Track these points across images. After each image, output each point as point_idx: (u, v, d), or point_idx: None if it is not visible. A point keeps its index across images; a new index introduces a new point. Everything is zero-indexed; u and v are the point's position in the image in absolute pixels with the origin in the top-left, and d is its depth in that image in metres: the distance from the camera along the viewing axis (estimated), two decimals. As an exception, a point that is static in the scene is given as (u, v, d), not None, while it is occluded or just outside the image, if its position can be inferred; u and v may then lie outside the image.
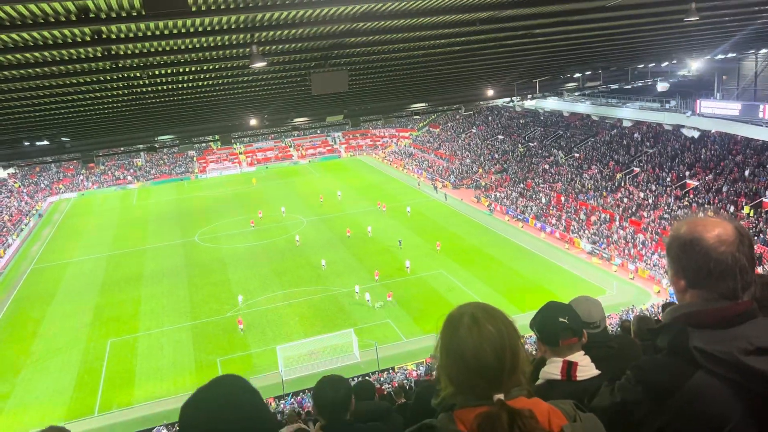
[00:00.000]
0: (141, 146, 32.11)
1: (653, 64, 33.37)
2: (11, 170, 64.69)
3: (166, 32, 8.72)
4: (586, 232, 44.07)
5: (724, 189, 39.42)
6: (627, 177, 47.72)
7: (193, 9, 7.46)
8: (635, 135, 52.31)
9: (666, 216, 40.56)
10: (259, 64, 10.38)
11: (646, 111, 46.99)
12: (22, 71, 9.56)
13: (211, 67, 11.80)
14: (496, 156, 67.34)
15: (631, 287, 36.10)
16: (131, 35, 8.57)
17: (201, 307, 37.72)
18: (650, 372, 1.72)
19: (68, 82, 11.09)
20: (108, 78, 11.24)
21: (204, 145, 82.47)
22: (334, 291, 38.23)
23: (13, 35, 7.60)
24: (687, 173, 43.35)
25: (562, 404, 1.65)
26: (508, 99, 32.10)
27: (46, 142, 19.61)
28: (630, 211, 43.28)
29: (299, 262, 43.96)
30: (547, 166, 57.63)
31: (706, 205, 39.09)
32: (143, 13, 7.21)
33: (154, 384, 29.10)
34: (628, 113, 49.24)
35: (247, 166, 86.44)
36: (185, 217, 60.44)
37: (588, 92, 44.69)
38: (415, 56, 14.09)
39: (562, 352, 2.73)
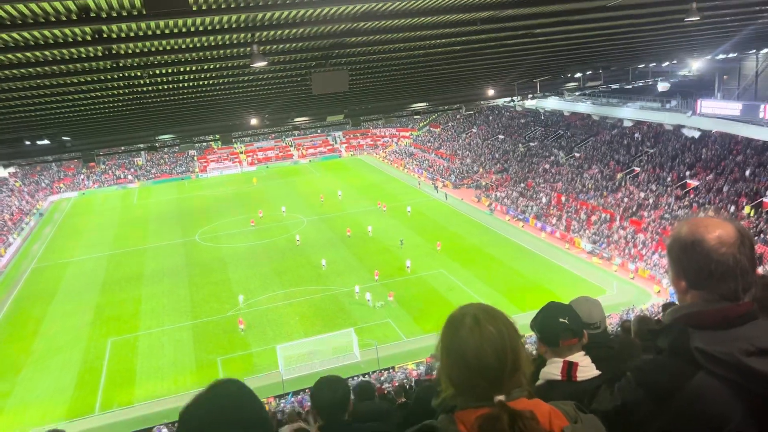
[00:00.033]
0: (142, 145, 32.15)
1: (654, 64, 33.37)
2: (12, 169, 64.76)
3: (167, 32, 8.73)
4: (587, 231, 44.06)
5: (725, 189, 39.40)
6: (627, 177, 47.70)
7: (194, 8, 7.46)
8: (636, 135, 52.28)
9: (666, 216, 40.54)
10: (260, 64, 10.38)
11: (647, 111, 47.00)
12: (22, 70, 9.56)
13: (211, 67, 11.80)
14: (497, 156, 67.32)
15: (632, 287, 36.09)
16: (132, 34, 8.57)
17: (201, 306, 37.74)
18: (651, 373, 1.72)
19: (69, 82, 11.10)
20: (109, 77, 11.24)
21: (205, 144, 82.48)
22: (334, 290, 38.23)
23: (14, 34, 7.60)
24: (687, 173, 43.33)
25: (563, 405, 1.65)
26: (508, 99, 32.10)
27: (46, 142, 19.61)
28: (630, 211, 43.26)
29: (300, 262, 43.97)
30: (547, 166, 57.61)
31: (706, 205, 39.07)
32: (144, 12, 7.22)
33: (154, 383, 29.12)
34: (629, 113, 49.25)
35: (248, 165, 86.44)
36: (186, 217, 60.46)
37: (589, 92, 44.69)
38: (416, 56, 14.09)
39: (563, 353, 2.74)
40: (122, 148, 37.55)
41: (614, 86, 35.75)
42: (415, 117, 75.42)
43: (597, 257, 40.78)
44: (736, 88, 40.41)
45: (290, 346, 30.32)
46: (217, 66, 11.78)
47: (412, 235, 47.92)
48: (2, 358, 32.97)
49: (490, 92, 27.65)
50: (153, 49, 9.75)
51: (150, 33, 8.63)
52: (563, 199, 49.98)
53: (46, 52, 8.78)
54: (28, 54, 8.71)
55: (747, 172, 39.40)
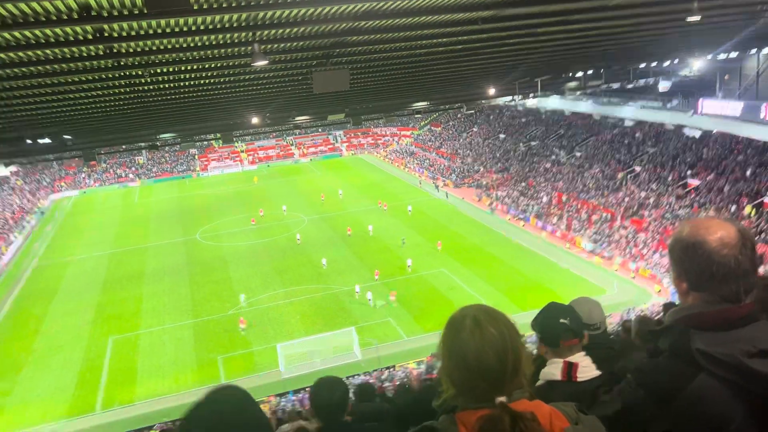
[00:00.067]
0: (143, 144, 32.16)
1: (655, 64, 33.35)
2: (13, 168, 64.83)
3: (168, 30, 8.73)
4: (588, 231, 44.03)
5: (726, 189, 39.36)
6: (628, 176, 47.66)
7: (195, 7, 7.46)
8: (637, 134, 52.23)
9: (667, 215, 40.51)
10: (261, 63, 10.38)
11: (648, 110, 46.94)
12: (24, 69, 9.57)
13: (213, 66, 11.80)
14: (498, 155, 67.29)
15: (632, 287, 36.06)
16: (133, 33, 8.57)
17: (202, 305, 37.76)
18: (651, 375, 1.72)
19: (70, 80, 11.10)
20: (110, 76, 11.25)
21: (206, 143, 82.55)
22: (335, 289, 38.24)
23: (16, 33, 7.60)
24: (688, 173, 43.29)
25: (564, 406, 1.65)
26: (509, 98, 32.09)
27: (48, 140, 19.62)
28: (631, 211, 43.23)
29: (300, 261, 43.99)
30: (548, 165, 57.57)
31: (707, 205, 39.04)
32: (145, 11, 7.22)
33: (155, 381, 29.14)
34: (630, 112, 49.18)
35: (249, 164, 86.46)
36: (187, 215, 60.49)
37: (590, 91, 44.60)
38: (417, 55, 14.08)
39: (563, 353, 2.74)
40: (123, 146, 37.58)
41: (615, 85, 35.75)
42: (416, 116, 75.38)
43: (598, 257, 40.76)
44: (737, 87, 40.35)
45: (291, 344, 30.33)
46: (219, 65, 11.78)
47: (413, 234, 47.91)
48: (3, 357, 33.01)
49: (491, 91, 27.62)
50: (154, 48, 9.76)
51: (151, 32, 8.63)
52: (564, 198, 49.95)
53: (48, 51, 8.78)
54: (30, 53, 8.71)
55: (748, 172, 39.36)
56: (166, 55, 10.29)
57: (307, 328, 33.04)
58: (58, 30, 7.80)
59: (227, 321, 34.95)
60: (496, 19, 10.90)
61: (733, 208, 37.32)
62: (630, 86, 36.86)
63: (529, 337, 4.71)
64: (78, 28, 7.90)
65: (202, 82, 13.67)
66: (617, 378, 2.25)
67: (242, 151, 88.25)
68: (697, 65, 34.57)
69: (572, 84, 32.41)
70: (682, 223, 1.77)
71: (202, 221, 57.43)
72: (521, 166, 61.16)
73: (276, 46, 10.77)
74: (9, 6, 6.49)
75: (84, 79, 11.15)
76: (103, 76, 11.18)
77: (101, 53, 9.43)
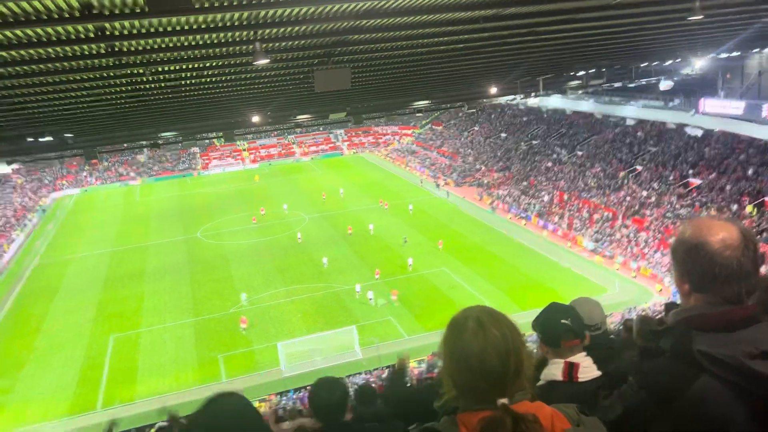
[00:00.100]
0: (144, 143, 32.15)
1: (657, 63, 33.28)
2: (15, 166, 64.79)
3: (170, 29, 8.73)
4: (589, 230, 44.02)
5: (727, 188, 39.32)
6: (630, 175, 47.62)
7: (197, 6, 7.45)
8: (638, 133, 52.18)
9: (669, 215, 40.49)
10: (263, 62, 10.37)
11: (650, 109, 46.91)
12: (25, 67, 9.57)
13: (214, 64, 11.80)
14: (499, 154, 67.26)
15: (633, 286, 36.05)
16: (135, 32, 8.57)
17: (203, 303, 37.79)
18: (653, 376, 1.72)
19: (71, 79, 11.10)
20: (111, 74, 11.25)
21: (207, 141, 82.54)
22: (336, 288, 38.27)
23: (17, 31, 7.61)
24: (690, 172, 43.26)
25: (565, 408, 1.65)
26: (511, 97, 32.05)
27: (49, 139, 19.62)
28: (633, 210, 43.21)
29: (301, 259, 44.01)
30: (550, 164, 57.53)
31: (708, 204, 39.01)
32: (147, 9, 7.22)
33: (156, 380, 29.18)
34: (632, 111, 49.14)
35: (250, 162, 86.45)
36: (188, 214, 60.52)
37: (591, 90, 44.55)
38: (419, 54, 14.06)
39: (564, 354, 2.75)
40: (125, 145, 37.60)
41: (617, 85, 35.67)
42: (418, 115, 75.29)
43: (599, 256, 40.74)
44: (739, 86, 40.30)
45: (292, 343, 30.36)
46: (220, 63, 11.78)
47: (414, 233, 47.92)
48: (5, 355, 33.07)
49: (493, 90, 27.58)
50: (156, 46, 9.76)
51: (153, 30, 8.63)
52: (565, 197, 49.93)
53: (49, 49, 8.78)
54: (31, 51, 8.71)
55: (749, 171, 39.32)
56: (168, 54, 10.28)
57: (308, 327, 33.07)
58: (59, 28, 7.80)
59: (228, 319, 34.98)
60: (498, 18, 10.88)
61: (735, 207, 37.28)
62: (632, 85, 36.79)
63: (530, 337, 4.70)
64: (80, 27, 7.90)
65: (203, 80, 13.66)
66: (616, 380, 2.24)
67: (244, 150, 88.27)
68: (698, 64, 34.49)
69: (574, 83, 32.34)
70: (685, 225, 1.77)
71: (203, 220, 57.46)
72: (522, 165, 61.12)
73: (277, 44, 10.76)
74: (11, 4, 6.49)
75: (85, 77, 11.15)
76: (105, 75, 11.18)
77: (102, 52, 9.42)
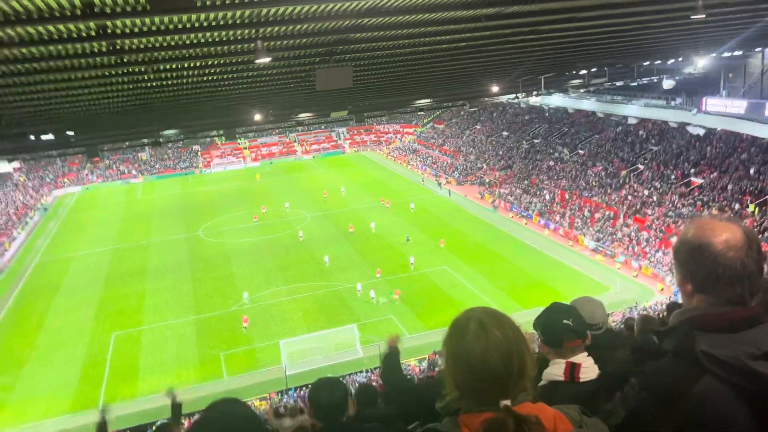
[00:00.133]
0: (146, 141, 32.16)
1: (659, 62, 33.22)
2: (16, 164, 64.95)
3: (171, 27, 8.72)
4: (590, 229, 43.99)
5: (729, 187, 39.27)
6: (632, 174, 47.58)
7: (198, 4, 7.45)
8: (640, 132, 52.12)
9: (671, 214, 40.44)
10: (264, 60, 10.36)
11: (652, 108, 46.89)
12: (27, 65, 9.57)
13: (215, 63, 11.79)
14: (501, 152, 67.22)
15: (635, 285, 36.03)
16: (136, 30, 8.57)
17: (205, 301, 37.84)
18: (655, 377, 1.71)
19: (73, 77, 11.09)
20: (113, 73, 11.24)
21: (208, 140, 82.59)
22: (337, 287, 38.29)
23: (19, 29, 7.61)
24: (692, 171, 43.21)
25: (568, 409, 1.65)
26: (513, 95, 32.01)
27: (51, 136, 19.64)
28: (634, 209, 43.17)
29: (303, 258, 44.04)
30: (551, 163, 57.50)
31: (710, 203, 38.96)
32: (148, 8, 7.21)
33: (157, 378, 29.21)
34: (634, 110, 49.12)
35: (252, 161, 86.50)
36: (189, 212, 60.58)
37: (593, 89, 44.52)
38: (420, 52, 14.04)
39: (566, 354, 2.74)
40: (126, 143, 37.64)
41: (619, 83, 35.64)
42: (419, 113, 75.34)
43: (600, 255, 40.73)
44: (742, 86, 40.25)
45: (293, 341, 30.40)
46: (222, 62, 11.77)
47: (416, 231, 47.93)
48: (6, 353, 33.14)
49: (495, 89, 27.55)
50: (157, 44, 9.75)
51: (154, 29, 8.62)
52: (567, 196, 49.90)
53: (51, 48, 8.78)
54: (33, 49, 8.71)
55: (751, 170, 39.26)
56: (169, 52, 10.27)
57: (309, 325, 33.11)
58: (61, 27, 7.80)
59: (230, 317, 35.02)
60: (500, 17, 10.86)
61: (737, 206, 37.23)
62: (634, 84, 36.76)
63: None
64: (81, 25, 7.89)
65: (205, 79, 13.65)
66: (617, 380, 2.24)
67: (245, 148, 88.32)
68: (701, 63, 34.45)
69: (576, 82, 32.32)
70: (688, 225, 1.76)
71: (204, 218, 57.52)
72: (524, 163, 61.09)
73: (279, 43, 10.75)
74: (13, 3, 6.49)
75: (87, 75, 11.15)
76: (106, 73, 11.18)
77: (104, 50, 9.42)
